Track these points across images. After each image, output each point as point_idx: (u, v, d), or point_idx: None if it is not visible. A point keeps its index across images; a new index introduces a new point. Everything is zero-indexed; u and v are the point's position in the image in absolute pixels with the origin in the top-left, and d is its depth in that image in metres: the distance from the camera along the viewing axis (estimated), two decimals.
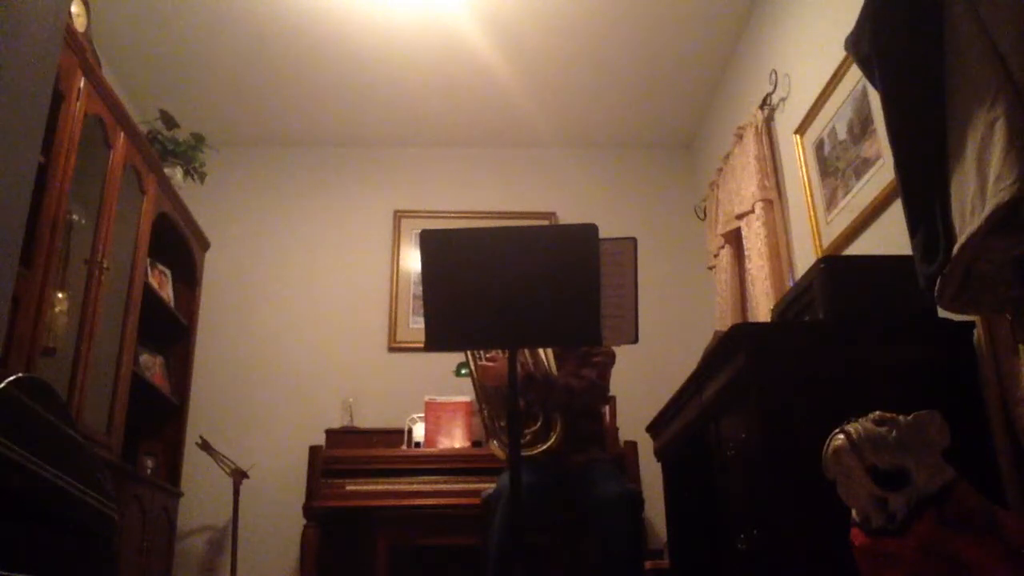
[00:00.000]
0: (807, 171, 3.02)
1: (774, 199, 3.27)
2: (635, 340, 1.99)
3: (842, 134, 2.75)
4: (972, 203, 1.53)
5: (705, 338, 2.85)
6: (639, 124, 4.50)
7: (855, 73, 2.57)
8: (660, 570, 3.14)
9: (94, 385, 2.75)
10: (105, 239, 2.84)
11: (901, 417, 1.46)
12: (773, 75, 3.32)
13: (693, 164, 4.64)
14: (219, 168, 4.23)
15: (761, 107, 3.39)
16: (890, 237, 2.40)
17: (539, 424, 2.69)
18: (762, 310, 3.15)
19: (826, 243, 2.84)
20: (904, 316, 2.00)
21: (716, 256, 3.84)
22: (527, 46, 3.80)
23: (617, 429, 3.70)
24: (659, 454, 3.00)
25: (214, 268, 4.15)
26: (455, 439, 3.64)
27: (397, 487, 3.39)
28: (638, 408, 3.57)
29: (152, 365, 3.53)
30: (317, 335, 4.22)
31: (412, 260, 4.36)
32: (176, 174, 3.71)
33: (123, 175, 3.03)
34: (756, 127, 3.39)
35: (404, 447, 3.66)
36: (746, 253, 3.43)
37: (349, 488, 3.38)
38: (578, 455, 2.71)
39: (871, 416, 1.48)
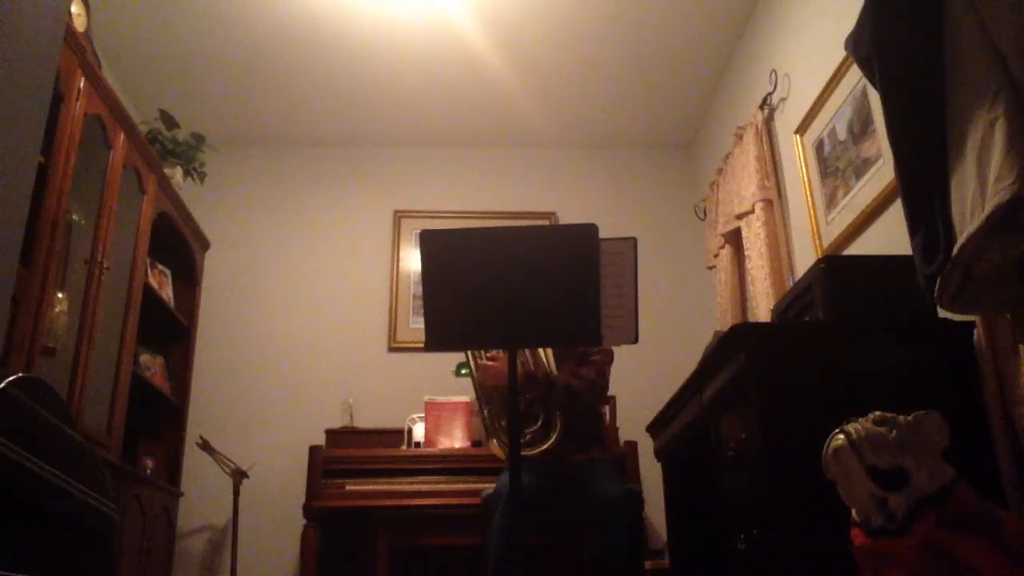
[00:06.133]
0: (807, 171, 3.02)
1: (774, 199, 3.27)
2: (635, 340, 1.98)
3: (842, 134, 2.75)
4: (972, 203, 1.53)
5: (705, 338, 2.85)
6: (639, 124, 4.50)
7: (855, 73, 2.57)
8: (660, 570, 3.14)
9: (94, 385, 2.75)
10: (105, 239, 2.85)
11: (901, 417, 1.46)
12: (773, 75, 3.32)
13: (693, 164, 4.64)
14: (219, 168, 4.23)
15: (761, 107, 3.39)
16: (890, 237, 2.40)
17: (539, 424, 2.69)
18: (762, 310, 3.15)
19: (826, 243, 2.84)
20: (904, 316, 2.00)
21: (716, 256, 3.84)
22: (527, 46, 3.80)
23: (617, 429, 3.70)
24: (659, 454, 3.00)
25: (214, 268, 4.15)
26: (455, 439, 3.64)
27: (397, 487, 3.39)
28: (638, 408, 3.56)
29: (152, 365, 3.53)
30: (317, 335, 4.22)
31: (412, 260, 4.36)
32: (176, 174, 3.71)
33: (123, 175, 3.03)
34: (756, 127, 3.39)
35: (404, 447, 3.66)
36: (746, 253, 3.43)
37: (349, 488, 3.38)
38: (578, 455, 2.71)
39: (871, 416, 1.48)
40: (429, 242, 1.80)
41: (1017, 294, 1.63)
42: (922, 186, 1.73)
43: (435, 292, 1.80)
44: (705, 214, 4.16)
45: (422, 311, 1.85)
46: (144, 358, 3.45)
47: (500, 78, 4.02)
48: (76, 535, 1.53)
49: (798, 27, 3.15)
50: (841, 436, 1.48)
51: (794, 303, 2.23)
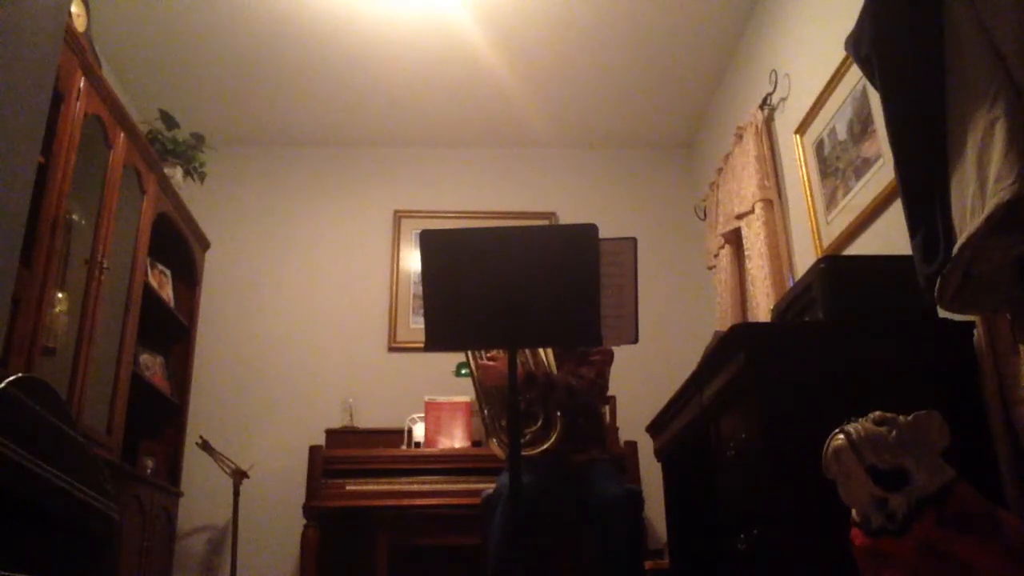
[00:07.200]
0: (807, 171, 3.02)
1: (774, 199, 3.27)
2: (635, 340, 1.99)
3: (842, 134, 2.75)
4: (972, 203, 1.53)
5: (705, 338, 2.85)
6: (639, 124, 4.50)
7: (855, 73, 2.57)
8: (660, 570, 3.14)
9: (94, 385, 2.75)
10: (105, 239, 2.84)
11: (901, 417, 1.46)
12: (773, 75, 3.32)
13: (693, 164, 4.64)
14: (219, 168, 4.23)
15: (761, 107, 3.39)
16: (890, 237, 2.40)
17: (539, 424, 2.69)
18: (762, 310, 3.15)
19: (826, 243, 2.84)
20: (904, 316, 2.00)
21: (716, 256, 3.84)
22: (527, 46, 3.80)
23: (617, 429, 3.70)
24: (659, 454, 3.00)
25: (214, 268, 4.15)
26: (455, 439, 3.64)
27: (397, 487, 3.39)
28: (638, 408, 3.56)
29: (152, 365, 3.53)
30: (317, 335, 4.22)
31: (412, 260, 4.36)
32: (176, 174, 3.71)
33: (123, 175, 3.03)
34: (756, 127, 3.39)
35: (404, 447, 3.66)
36: (746, 253, 3.43)
37: (349, 488, 3.38)
38: (578, 455, 2.71)
39: (871, 416, 1.48)
40: (429, 242, 1.80)
41: (1017, 294, 1.63)
42: (922, 186, 1.73)
43: (435, 292, 1.80)
44: (705, 214, 4.16)
45: (422, 311, 1.85)
46: (144, 358, 3.45)
47: (500, 78, 4.02)
48: (76, 535, 1.53)
49: (798, 27, 3.14)
50: (841, 436, 1.48)
51: (794, 303, 2.23)
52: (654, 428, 3.02)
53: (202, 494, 3.80)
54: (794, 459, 1.75)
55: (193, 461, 3.66)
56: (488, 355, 2.72)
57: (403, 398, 3.90)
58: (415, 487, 3.40)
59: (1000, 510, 1.45)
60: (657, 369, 3.92)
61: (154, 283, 3.48)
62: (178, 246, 3.78)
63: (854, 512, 1.52)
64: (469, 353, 2.79)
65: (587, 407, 2.79)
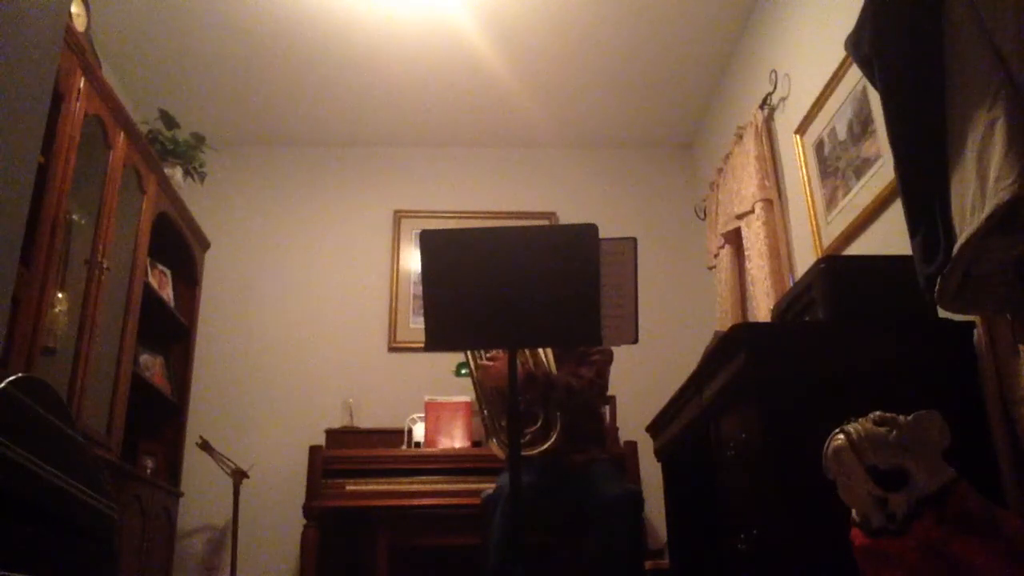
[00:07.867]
0: (807, 171, 3.02)
1: (774, 199, 3.27)
2: (635, 340, 1.99)
3: (842, 134, 2.75)
4: (972, 203, 1.53)
5: (705, 338, 2.85)
6: (639, 124, 4.50)
7: (855, 73, 2.57)
8: (660, 570, 3.14)
9: (94, 385, 2.75)
10: (105, 239, 2.84)
11: (901, 417, 1.46)
12: (773, 75, 3.32)
13: (693, 164, 4.64)
14: (219, 168, 4.23)
15: (761, 107, 3.39)
16: (890, 237, 2.40)
17: (539, 424, 2.69)
18: (762, 310, 3.15)
19: (826, 243, 2.84)
20: (904, 316, 2.00)
21: (716, 256, 3.84)
22: (527, 46, 3.80)
23: (617, 429, 3.70)
24: (659, 454, 3.00)
25: (214, 268, 4.15)
26: (455, 439, 3.64)
27: (397, 487, 3.39)
28: (638, 408, 3.57)
29: (152, 365, 3.53)
30: (317, 335, 4.22)
31: (412, 260, 4.36)
32: (176, 174, 3.71)
33: (123, 175, 3.03)
34: (756, 127, 3.39)
35: (404, 447, 3.66)
36: (746, 253, 3.43)
37: (349, 488, 3.38)
38: (578, 455, 2.71)
39: (871, 416, 1.48)
40: (429, 242, 1.80)
41: (1017, 294, 1.63)
42: (922, 186, 1.73)
43: (435, 292, 1.80)
44: (705, 214, 4.16)
45: (422, 311, 1.86)
46: (144, 358, 3.45)
47: (500, 78, 4.02)
48: (76, 535, 1.53)
49: (798, 27, 3.15)
50: (841, 436, 1.48)
51: (794, 303, 2.23)
52: (654, 428, 3.02)
53: (202, 494, 3.79)
54: (794, 459, 1.75)
55: (193, 461, 3.66)
56: (488, 355, 2.72)
57: (403, 398, 3.90)
58: (415, 487, 3.40)
59: (1000, 510, 1.45)
60: (657, 369, 3.92)
61: (154, 283, 3.48)
62: (178, 246, 3.78)
63: (854, 512, 1.52)
64: (469, 353, 2.79)
65: (587, 407, 2.79)
